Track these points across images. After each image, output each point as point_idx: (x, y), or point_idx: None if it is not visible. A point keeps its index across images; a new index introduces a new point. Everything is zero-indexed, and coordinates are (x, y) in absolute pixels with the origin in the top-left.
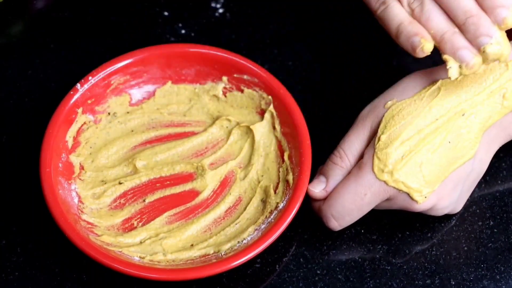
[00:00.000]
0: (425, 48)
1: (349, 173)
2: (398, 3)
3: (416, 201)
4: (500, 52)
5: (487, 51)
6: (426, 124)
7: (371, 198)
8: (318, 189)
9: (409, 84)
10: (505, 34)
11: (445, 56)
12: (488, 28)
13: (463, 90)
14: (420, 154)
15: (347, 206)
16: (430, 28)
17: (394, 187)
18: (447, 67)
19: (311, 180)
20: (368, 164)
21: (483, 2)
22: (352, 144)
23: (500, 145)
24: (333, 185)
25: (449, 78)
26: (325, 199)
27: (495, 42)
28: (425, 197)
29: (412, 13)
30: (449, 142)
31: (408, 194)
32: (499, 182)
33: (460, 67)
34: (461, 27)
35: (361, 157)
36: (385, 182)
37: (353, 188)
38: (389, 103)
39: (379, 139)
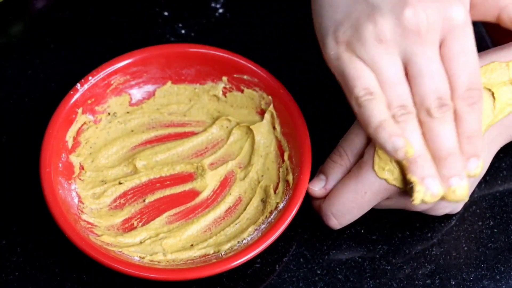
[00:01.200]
0: (409, 153)
1: (350, 171)
2: (385, 102)
3: None
4: (465, 197)
5: (457, 192)
6: None
7: (372, 197)
8: (317, 187)
9: None
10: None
11: (413, 178)
12: (462, 171)
13: None
14: None
15: (347, 205)
16: None
17: (395, 186)
18: (415, 189)
19: (311, 180)
20: (368, 163)
21: (464, 146)
22: (352, 143)
23: (501, 146)
24: (333, 184)
25: (412, 200)
26: (325, 197)
27: (464, 185)
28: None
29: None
30: None
31: (409, 193)
32: (499, 182)
33: (425, 193)
34: (439, 160)
35: (361, 155)
36: (385, 180)
37: (354, 187)
38: None
39: None
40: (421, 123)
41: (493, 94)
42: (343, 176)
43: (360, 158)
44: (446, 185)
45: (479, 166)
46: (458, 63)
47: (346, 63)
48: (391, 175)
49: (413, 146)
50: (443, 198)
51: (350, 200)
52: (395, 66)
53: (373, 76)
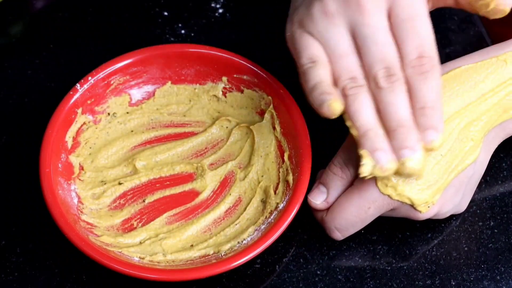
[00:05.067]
0: (333, 106)
1: (352, 184)
2: (328, 70)
3: (420, 211)
4: (416, 170)
5: (406, 164)
6: None
7: (375, 211)
8: (319, 200)
9: None
10: (425, 156)
11: (362, 151)
12: (415, 143)
13: (458, 98)
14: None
15: (351, 219)
16: (356, 120)
17: (398, 201)
18: (361, 162)
19: (311, 183)
20: (371, 178)
21: (419, 118)
22: (352, 154)
23: (498, 144)
24: (335, 196)
25: (359, 174)
26: (327, 209)
27: (416, 159)
28: (429, 206)
29: (344, 98)
30: (450, 151)
31: (412, 205)
32: (500, 182)
33: (374, 167)
34: (390, 133)
35: None
36: (389, 196)
37: (357, 202)
38: None
39: None
40: (373, 96)
41: None
42: (345, 188)
43: None
44: (397, 156)
45: (437, 139)
46: (406, 30)
47: (297, 38)
48: (394, 191)
49: (363, 119)
50: (396, 173)
51: (354, 215)
52: (342, 38)
53: (321, 48)
